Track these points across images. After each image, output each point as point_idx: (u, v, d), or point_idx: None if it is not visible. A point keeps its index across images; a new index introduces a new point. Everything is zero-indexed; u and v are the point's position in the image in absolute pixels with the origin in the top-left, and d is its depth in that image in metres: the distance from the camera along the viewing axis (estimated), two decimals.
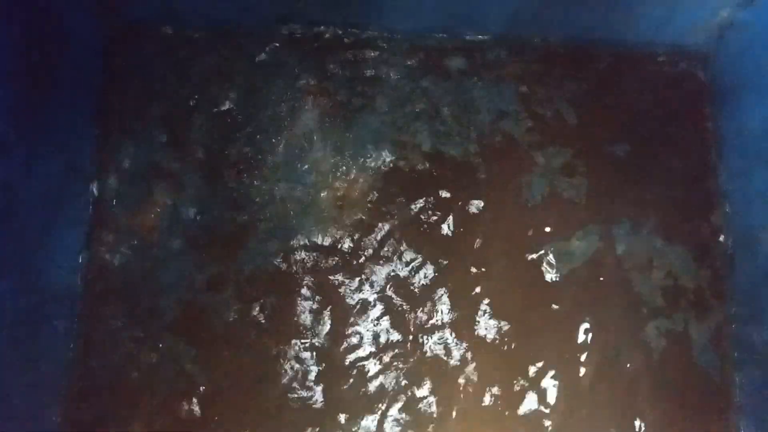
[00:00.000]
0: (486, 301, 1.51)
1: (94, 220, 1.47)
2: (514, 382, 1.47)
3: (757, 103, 1.45)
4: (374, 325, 1.48)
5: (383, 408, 1.45)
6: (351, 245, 1.51)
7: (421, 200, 1.54)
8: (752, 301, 1.45)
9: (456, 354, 1.48)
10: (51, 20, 1.30)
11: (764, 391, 1.40)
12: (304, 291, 1.48)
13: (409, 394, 1.45)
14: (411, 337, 1.48)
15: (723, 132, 1.59)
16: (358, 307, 1.49)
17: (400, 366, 1.47)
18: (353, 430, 1.43)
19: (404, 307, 1.50)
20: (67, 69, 1.37)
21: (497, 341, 1.49)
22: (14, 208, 1.19)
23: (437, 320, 1.49)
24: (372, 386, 1.45)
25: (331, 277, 1.50)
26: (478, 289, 1.51)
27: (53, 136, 1.32)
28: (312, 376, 1.45)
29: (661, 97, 1.64)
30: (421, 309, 1.50)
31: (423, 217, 1.53)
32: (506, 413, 1.46)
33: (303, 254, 1.50)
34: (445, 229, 1.53)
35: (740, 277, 1.50)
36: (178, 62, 1.56)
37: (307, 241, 1.51)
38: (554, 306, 1.52)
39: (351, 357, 1.47)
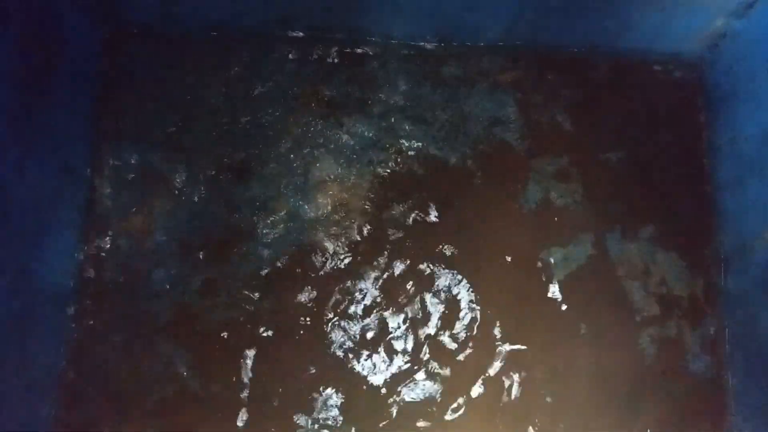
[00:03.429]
0: (479, 308, 1.51)
1: (88, 222, 1.47)
2: (506, 388, 1.48)
3: (751, 112, 1.46)
4: (367, 328, 1.48)
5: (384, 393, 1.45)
6: (346, 249, 1.51)
7: (417, 206, 1.54)
8: (745, 308, 1.45)
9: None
10: (49, 22, 1.30)
11: (757, 396, 1.40)
12: (300, 295, 1.48)
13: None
14: (409, 339, 1.48)
15: (717, 140, 1.59)
16: (353, 309, 1.49)
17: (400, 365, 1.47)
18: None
19: (395, 310, 1.50)
20: (64, 71, 1.37)
21: (491, 347, 1.49)
22: (8, 209, 1.18)
23: (428, 327, 1.50)
24: (372, 383, 1.46)
25: (326, 281, 1.49)
26: (472, 296, 1.51)
27: (49, 137, 1.32)
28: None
29: (656, 105, 1.65)
30: (414, 314, 1.50)
31: (419, 223, 1.54)
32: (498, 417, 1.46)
33: (298, 258, 1.50)
34: (441, 234, 1.54)
35: (733, 285, 1.50)
36: (176, 65, 1.56)
37: (302, 244, 1.51)
38: (548, 313, 1.52)
39: (342, 355, 1.47)
